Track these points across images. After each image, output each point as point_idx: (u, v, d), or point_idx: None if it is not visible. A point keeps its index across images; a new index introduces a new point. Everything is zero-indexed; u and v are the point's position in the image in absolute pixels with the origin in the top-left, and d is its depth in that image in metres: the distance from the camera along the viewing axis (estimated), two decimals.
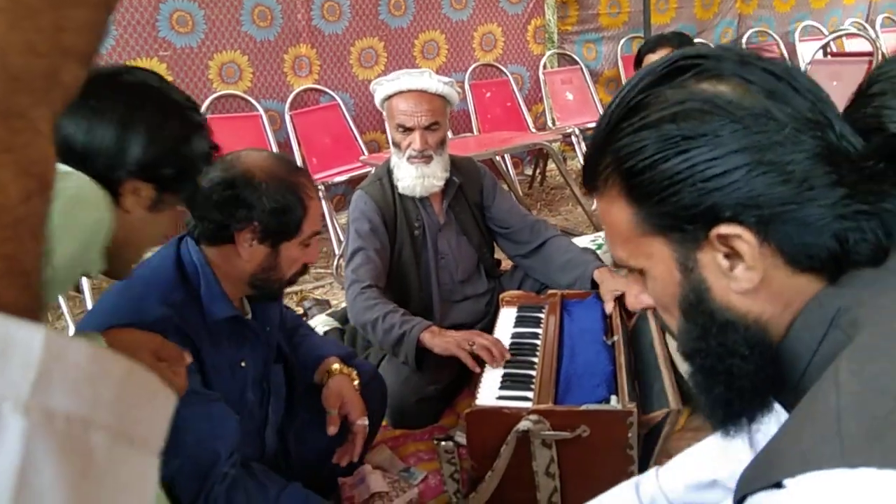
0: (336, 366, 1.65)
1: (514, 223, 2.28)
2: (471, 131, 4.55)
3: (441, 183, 2.12)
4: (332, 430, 1.56)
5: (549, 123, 4.79)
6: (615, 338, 1.76)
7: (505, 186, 2.64)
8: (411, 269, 2.17)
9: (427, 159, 2.06)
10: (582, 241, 2.55)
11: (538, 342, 1.82)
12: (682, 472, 1.07)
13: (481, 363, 1.75)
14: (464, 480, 1.63)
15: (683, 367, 1.75)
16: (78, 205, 0.88)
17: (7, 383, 0.22)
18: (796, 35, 5.93)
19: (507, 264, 2.46)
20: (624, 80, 5.06)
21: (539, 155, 4.69)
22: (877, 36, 5.76)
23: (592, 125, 4.66)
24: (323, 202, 3.68)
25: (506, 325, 1.96)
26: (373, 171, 2.31)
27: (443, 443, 1.62)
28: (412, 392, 1.96)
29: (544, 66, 4.97)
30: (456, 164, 2.20)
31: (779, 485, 0.49)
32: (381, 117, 4.30)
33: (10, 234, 0.25)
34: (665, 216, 0.62)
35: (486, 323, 2.18)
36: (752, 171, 0.57)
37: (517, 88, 4.80)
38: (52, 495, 0.22)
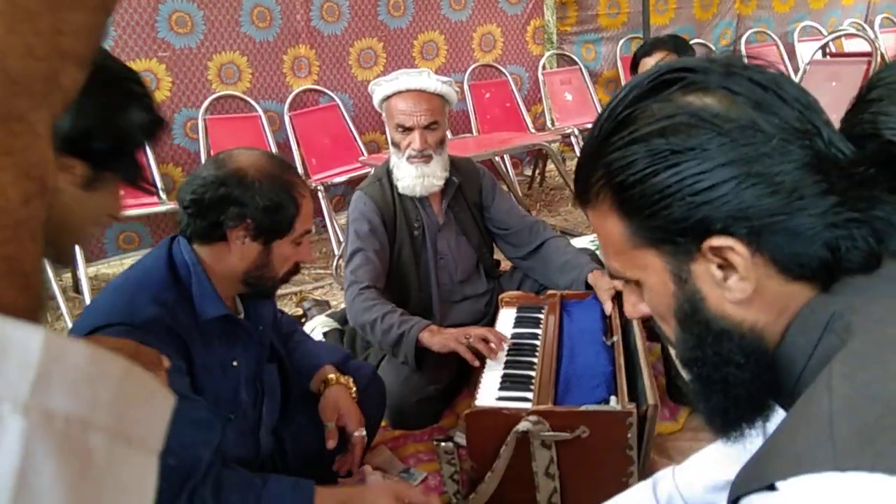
0: (332, 376, 1.66)
1: (513, 224, 2.28)
2: (470, 132, 4.55)
3: (441, 182, 2.12)
4: (331, 443, 1.57)
5: (549, 124, 4.79)
6: (615, 338, 1.76)
7: (504, 187, 2.64)
8: (411, 269, 2.17)
9: (427, 159, 2.06)
10: (581, 242, 2.55)
11: (537, 343, 1.83)
12: (700, 473, 1.07)
13: (481, 357, 1.75)
14: (463, 481, 1.62)
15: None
16: None
17: (6, 384, 0.22)
18: (795, 35, 5.93)
19: (506, 265, 2.46)
20: (623, 81, 5.10)
21: (538, 155, 4.70)
22: (876, 36, 5.76)
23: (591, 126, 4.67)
24: (322, 202, 3.69)
25: (505, 325, 1.96)
26: (372, 172, 2.31)
27: (442, 443, 1.62)
28: (412, 392, 1.96)
29: (543, 67, 4.97)
30: (455, 165, 2.20)
31: (772, 487, 0.49)
32: (380, 118, 4.28)
33: (10, 235, 0.26)
34: (657, 229, 0.62)
35: (486, 323, 2.18)
36: (740, 184, 0.57)
37: (516, 89, 4.81)
38: (51, 495, 0.22)
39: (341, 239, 3.47)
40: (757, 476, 0.51)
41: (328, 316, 2.53)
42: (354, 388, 1.67)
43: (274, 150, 3.81)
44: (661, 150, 0.59)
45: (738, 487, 0.53)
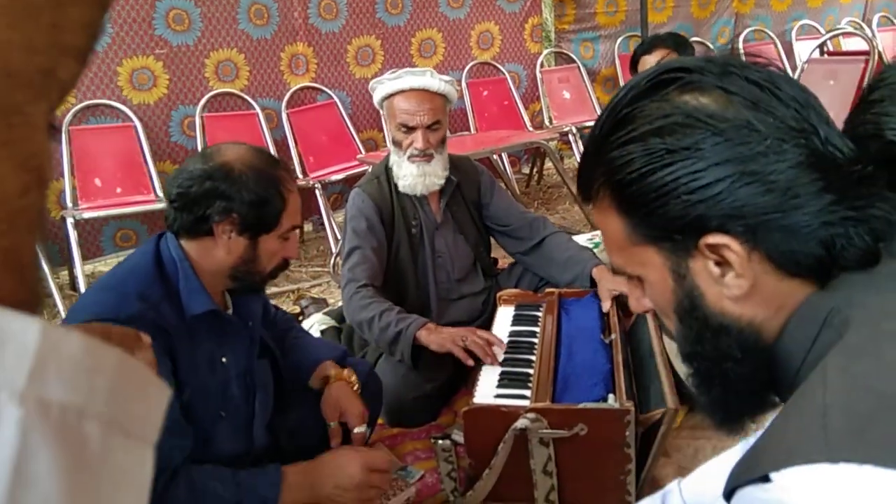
0: (333, 372, 1.64)
1: (512, 221, 2.28)
2: (468, 130, 4.55)
3: (441, 181, 2.12)
4: (335, 442, 1.57)
5: (546, 122, 4.79)
6: (612, 336, 1.77)
7: (502, 185, 2.64)
8: (408, 267, 2.17)
9: (428, 158, 2.07)
10: (579, 240, 2.54)
11: (536, 341, 1.83)
12: (707, 484, 1.07)
13: (477, 358, 1.75)
14: (461, 479, 1.62)
15: (681, 368, 1.76)
16: None
17: (3, 374, 0.23)
18: (793, 34, 5.93)
19: (503, 263, 2.46)
20: (621, 79, 5.11)
21: (536, 153, 4.70)
22: (873, 35, 5.76)
23: (589, 124, 4.66)
24: (320, 200, 3.68)
25: (503, 323, 1.96)
26: (370, 170, 2.30)
27: (440, 441, 1.62)
28: (409, 390, 1.95)
29: (541, 65, 4.96)
30: (454, 163, 2.20)
31: (766, 478, 0.50)
32: (377, 116, 4.29)
33: (7, 226, 0.26)
34: (655, 227, 0.63)
35: (484, 321, 2.19)
36: (735, 183, 0.58)
37: (514, 87, 4.80)
38: (47, 483, 0.23)
39: (339, 237, 3.47)
40: (751, 467, 0.52)
41: (325, 314, 2.53)
42: (356, 381, 1.65)
43: (271, 147, 3.81)
44: (658, 150, 0.61)
45: (734, 479, 0.54)
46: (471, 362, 1.74)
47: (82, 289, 3.07)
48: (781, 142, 0.58)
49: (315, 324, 2.41)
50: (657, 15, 5.31)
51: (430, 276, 2.19)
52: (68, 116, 3.41)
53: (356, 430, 1.58)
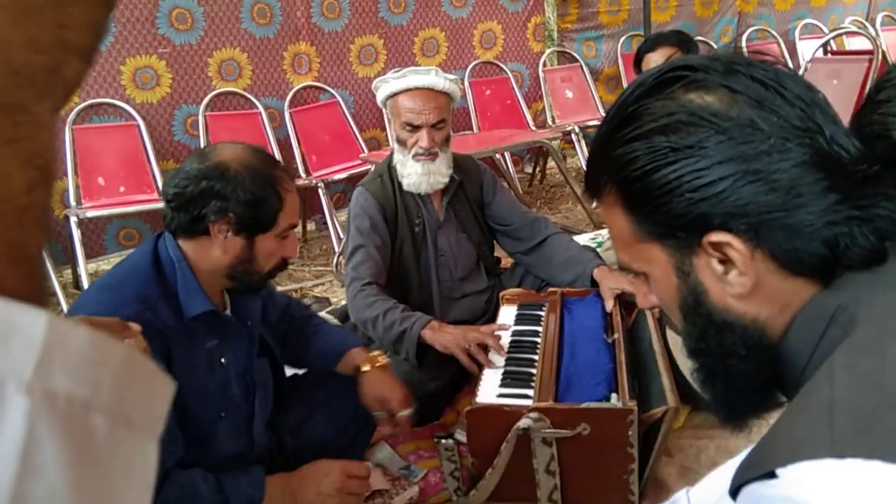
0: (366, 366, 1.67)
1: (514, 220, 2.28)
2: (471, 129, 4.54)
3: (446, 179, 2.13)
4: (386, 430, 1.65)
5: (549, 121, 4.79)
6: (615, 336, 1.77)
7: (505, 184, 2.64)
8: (411, 266, 2.17)
9: (433, 156, 2.07)
10: (582, 240, 2.55)
11: (538, 340, 1.83)
12: (715, 493, 1.07)
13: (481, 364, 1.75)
14: (464, 478, 1.63)
15: (684, 365, 1.76)
16: None
17: (10, 365, 0.23)
18: (796, 33, 5.92)
19: (507, 262, 2.46)
20: (624, 78, 5.10)
21: (539, 153, 4.69)
22: (877, 34, 5.75)
23: (592, 123, 4.68)
24: (323, 199, 3.69)
25: (506, 322, 1.96)
26: (373, 169, 2.30)
27: (443, 440, 1.63)
28: (413, 389, 1.95)
29: (544, 64, 4.96)
30: (457, 162, 2.20)
31: (772, 474, 0.50)
32: (380, 115, 4.29)
33: (14, 221, 0.26)
34: (659, 224, 0.64)
35: (486, 320, 2.19)
36: (738, 181, 0.58)
37: (517, 86, 4.80)
38: (54, 473, 0.23)
39: (341, 236, 3.47)
40: (757, 464, 0.52)
41: (329, 313, 2.53)
42: (385, 359, 1.70)
43: (274, 146, 3.81)
44: (661, 148, 0.61)
45: (739, 476, 0.54)
46: (478, 372, 1.74)
47: (85, 287, 3.08)
48: (785, 141, 0.58)
49: None
50: (660, 14, 5.30)
51: (433, 274, 2.19)
52: (71, 115, 3.42)
53: (401, 413, 1.62)
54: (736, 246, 0.60)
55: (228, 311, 1.50)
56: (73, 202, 3.31)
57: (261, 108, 3.91)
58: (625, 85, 5.12)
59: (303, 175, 3.88)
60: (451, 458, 1.60)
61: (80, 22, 0.28)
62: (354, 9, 4.23)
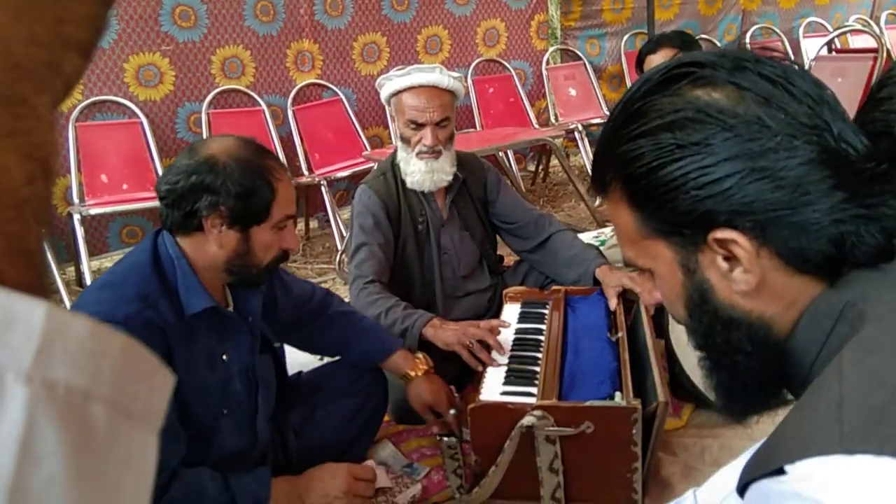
0: (410, 372, 1.74)
1: (518, 218, 2.28)
2: (473, 127, 4.54)
3: (449, 177, 2.12)
4: (435, 429, 1.72)
5: (552, 119, 4.78)
6: (619, 334, 1.76)
7: (508, 182, 2.63)
8: (414, 263, 2.17)
9: (437, 154, 2.07)
10: (585, 238, 2.54)
11: (542, 338, 1.82)
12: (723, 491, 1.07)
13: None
14: (467, 476, 1.62)
15: (686, 362, 1.75)
16: None
17: (10, 354, 0.23)
18: (800, 31, 5.90)
19: (509, 260, 2.46)
20: (627, 76, 5.08)
21: (542, 151, 4.69)
22: (881, 32, 5.73)
23: (595, 121, 4.67)
24: (325, 197, 3.69)
25: (509, 320, 1.95)
26: (376, 166, 2.30)
27: (445, 438, 1.63)
28: None
29: (547, 62, 4.95)
30: (460, 160, 2.20)
31: (780, 471, 0.50)
32: (383, 113, 4.29)
33: (14, 213, 0.26)
34: (664, 221, 0.64)
35: (489, 319, 2.18)
36: (744, 179, 0.58)
37: (520, 84, 4.79)
38: (54, 462, 0.23)
39: (344, 233, 3.48)
40: (766, 461, 0.52)
41: None
42: (428, 363, 1.77)
43: (277, 144, 3.81)
44: (667, 145, 0.61)
45: (747, 473, 0.54)
46: (480, 368, 1.74)
47: (89, 285, 3.08)
48: (792, 138, 0.58)
49: None
50: (664, 12, 5.29)
51: (436, 272, 2.19)
52: (75, 113, 3.42)
53: (449, 416, 1.71)
54: (741, 243, 0.59)
55: (231, 308, 1.49)
56: (76, 199, 3.31)
57: (264, 106, 3.91)
58: (628, 83, 5.12)
59: (305, 173, 3.88)
60: (454, 456, 1.60)
61: (79, 17, 0.28)
62: (357, 6, 4.23)
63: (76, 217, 3.19)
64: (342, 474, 1.48)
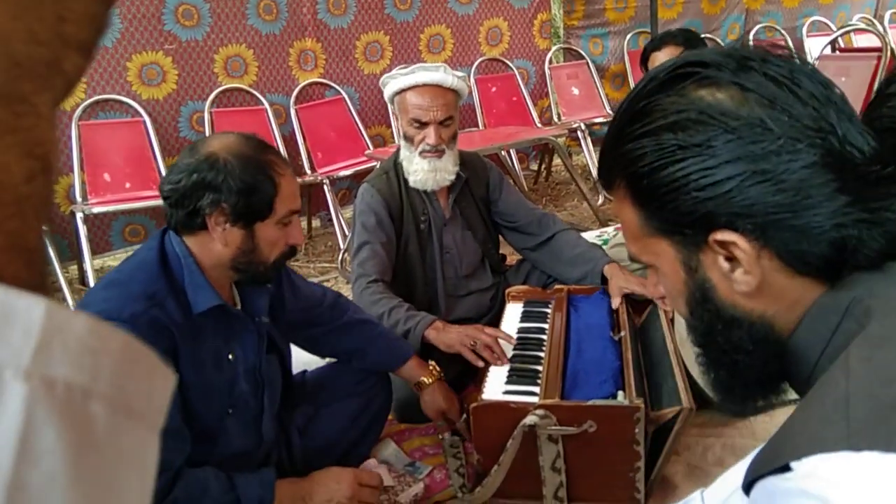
0: (424, 379, 1.78)
1: (521, 217, 2.27)
2: (476, 126, 4.54)
3: (452, 176, 2.12)
4: (445, 434, 1.73)
5: (555, 118, 4.78)
6: (622, 333, 1.76)
7: (510, 181, 2.63)
8: (416, 263, 2.17)
9: (440, 153, 2.06)
10: (587, 237, 2.54)
11: (544, 337, 1.82)
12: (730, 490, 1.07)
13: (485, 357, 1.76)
14: (469, 475, 1.62)
15: (688, 358, 1.75)
16: None
17: (9, 351, 0.23)
18: (804, 30, 5.89)
19: (512, 259, 2.45)
20: (630, 76, 5.08)
21: (544, 150, 4.68)
22: (885, 31, 5.72)
23: (598, 120, 4.66)
24: (328, 196, 3.69)
25: (512, 320, 1.96)
26: (379, 165, 2.30)
27: (447, 437, 1.62)
28: None
29: (550, 61, 4.95)
30: (462, 159, 2.20)
31: (786, 467, 0.50)
32: (385, 112, 4.29)
33: (14, 210, 0.26)
34: (666, 220, 0.64)
35: (491, 318, 2.18)
36: (745, 181, 0.58)
37: (523, 83, 4.79)
38: (53, 459, 0.23)
39: (347, 232, 3.47)
40: (772, 458, 0.52)
41: None
42: (439, 371, 1.81)
43: (280, 143, 3.82)
44: (669, 145, 0.61)
45: (753, 470, 0.53)
46: (481, 364, 1.74)
47: (91, 283, 3.08)
48: (795, 141, 0.58)
49: None
50: (667, 11, 5.28)
51: (438, 271, 2.19)
52: (78, 111, 3.42)
53: (460, 423, 1.75)
54: (741, 245, 0.59)
55: (238, 307, 1.49)
56: (78, 198, 3.32)
57: (266, 105, 3.91)
58: (631, 82, 5.12)
59: (308, 171, 3.88)
60: (457, 455, 1.60)
61: (80, 16, 0.28)
62: (360, 5, 4.23)
63: (79, 215, 3.20)
64: (347, 480, 1.48)
